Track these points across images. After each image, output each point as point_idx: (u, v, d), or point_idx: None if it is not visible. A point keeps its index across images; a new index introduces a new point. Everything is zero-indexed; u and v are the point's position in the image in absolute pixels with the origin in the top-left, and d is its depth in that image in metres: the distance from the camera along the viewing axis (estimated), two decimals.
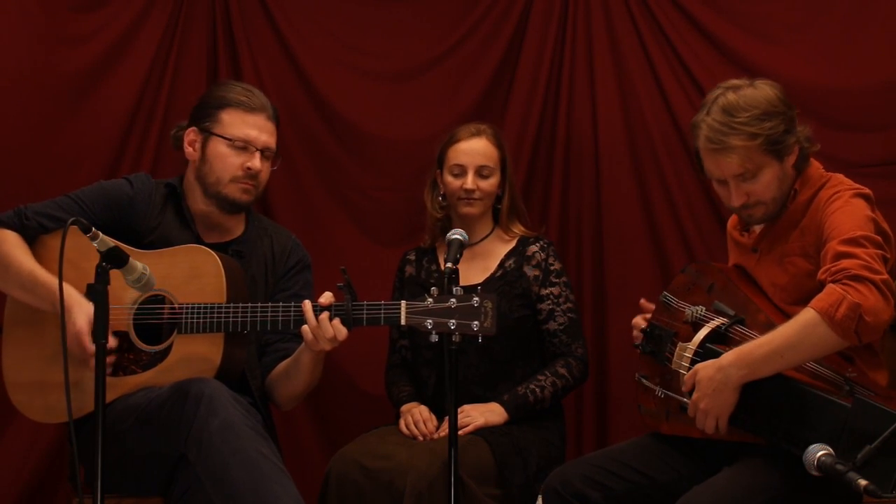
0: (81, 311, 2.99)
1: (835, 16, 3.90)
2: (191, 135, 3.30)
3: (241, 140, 3.24)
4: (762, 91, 2.86)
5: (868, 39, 3.85)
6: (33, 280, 3.10)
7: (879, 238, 2.73)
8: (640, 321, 3.08)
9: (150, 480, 3.04)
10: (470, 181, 3.54)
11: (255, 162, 3.24)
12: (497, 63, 4.13)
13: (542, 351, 3.58)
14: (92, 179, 3.44)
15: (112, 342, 3.02)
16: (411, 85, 4.16)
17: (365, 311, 3.00)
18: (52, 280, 3.04)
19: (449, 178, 3.59)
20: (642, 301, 3.12)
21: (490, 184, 3.57)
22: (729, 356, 2.72)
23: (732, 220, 3.14)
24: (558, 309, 3.54)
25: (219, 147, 3.25)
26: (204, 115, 3.29)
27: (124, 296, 3.06)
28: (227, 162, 3.24)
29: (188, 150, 3.30)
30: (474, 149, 3.57)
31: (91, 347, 2.92)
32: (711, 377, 2.73)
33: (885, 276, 2.65)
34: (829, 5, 3.91)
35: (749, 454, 2.78)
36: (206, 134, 3.26)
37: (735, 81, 2.91)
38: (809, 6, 3.93)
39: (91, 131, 4.00)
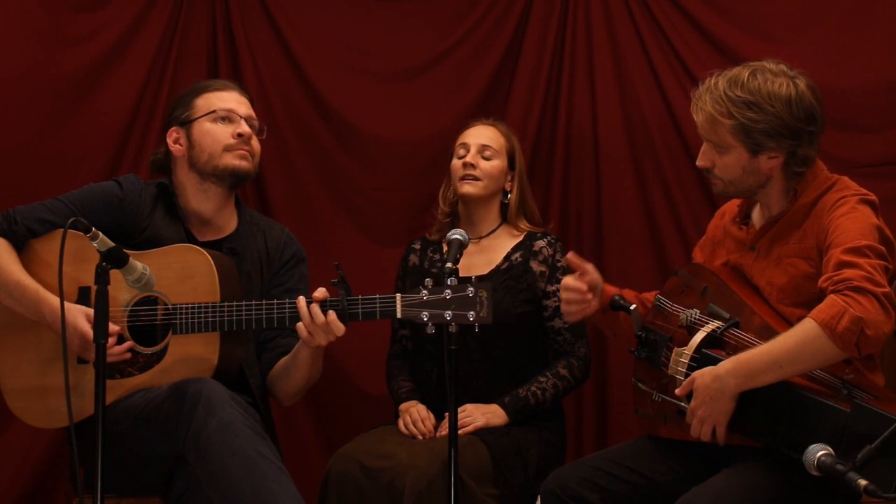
0: (77, 312, 3.01)
1: (835, 16, 3.90)
2: (173, 134, 3.32)
3: (223, 110, 3.28)
4: (776, 88, 2.82)
5: (868, 39, 3.85)
6: (21, 290, 3.10)
7: (883, 248, 2.72)
8: (570, 281, 3.05)
9: (149, 481, 3.04)
10: (470, 156, 3.56)
11: (244, 127, 3.28)
12: (497, 63, 4.13)
13: (545, 347, 3.57)
14: (92, 179, 3.45)
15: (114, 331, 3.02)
16: (411, 85, 4.16)
17: (360, 306, 3.00)
18: (38, 289, 3.07)
19: (454, 161, 3.61)
20: (570, 255, 3.08)
21: (492, 166, 3.57)
22: (726, 364, 2.70)
23: (731, 211, 3.11)
24: None
25: (204, 126, 3.28)
26: (179, 112, 3.33)
27: (117, 297, 3.06)
28: (215, 135, 3.27)
29: (174, 147, 3.31)
30: (480, 132, 3.62)
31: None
32: (708, 385, 2.72)
33: (887, 289, 2.64)
34: (829, 5, 3.91)
35: (748, 455, 2.77)
36: (188, 124, 3.29)
37: (777, 67, 2.86)
38: (809, 6, 3.92)
39: (91, 131, 4.00)
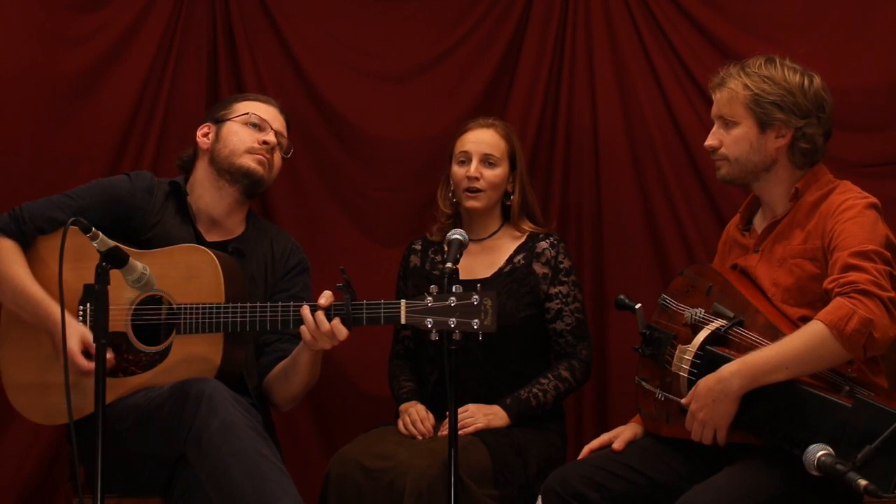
0: (73, 332, 3.01)
1: (835, 16, 3.90)
2: (204, 128, 3.38)
3: (257, 116, 3.34)
4: (790, 73, 2.93)
5: (868, 40, 3.85)
6: (25, 297, 3.10)
7: (888, 254, 2.75)
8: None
9: (149, 480, 3.04)
10: (473, 168, 3.53)
11: (271, 136, 3.33)
12: (497, 63, 4.13)
13: (547, 349, 3.57)
14: (92, 179, 3.44)
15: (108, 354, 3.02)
16: (411, 85, 4.16)
17: (364, 311, 3.00)
18: (42, 298, 3.07)
19: (455, 168, 3.58)
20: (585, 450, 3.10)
21: (495, 174, 3.55)
22: (731, 367, 2.71)
23: (734, 221, 3.14)
24: (566, 309, 3.52)
25: (234, 126, 3.33)
26: (219, 110, 3.40)
27: (122, 296, 3.06)
28: (241, 136, 3.32)
29: (201, 140, 3.36)
30: (480, 138, 3.58)
31: (85, 364, 2.97)
32: (711, 387, 2.72)
33: (892, 294, 2.67)
34: (829, 5, 3.91)
35: (749, 454, 2.77)
36: (221, 122, 3.34)
37: (793, 63, 2.97)
38: (809, 6, 3.93)
39: (91, 131, 4.00)
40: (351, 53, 4.17)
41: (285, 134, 3.41)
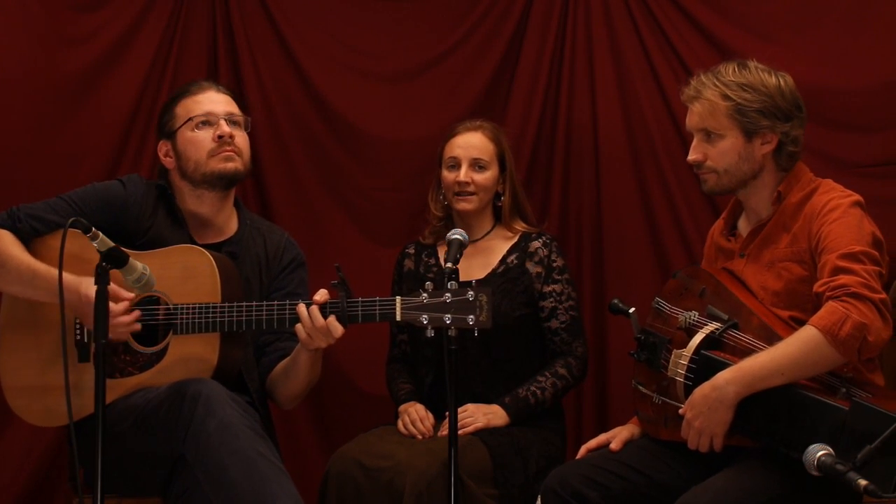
0: (88, 282, 2.94)
1: (835, 16, 3.90)
2: (163, 148, 3.33)
3: (200, 115, 3.26)
4: (766, 76, 2.90)
5: (868, 39, 3.85)
6: (31, 272, 3.09)
7: (877, 254, 2.75)
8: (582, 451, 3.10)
9: (148, 481, 3.04)
10: (463, 174, 3.54)
11: (224, 127, 3.24)
12: (497, 63, 4.13)
13: (543, 348, 3.57)
14: (92, 179, 3.46)
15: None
16: (411, 85, 4.16)
17: (360, 308, 3.00)
18: (49, 270, 3.05)
19: (445, 173, 3.59)
20: (583, 449, 3.11)
21: (485, 178, 3.56)
22: (726, 374, 2.71)
23: (717, 226, 3.13)
24: (560, 307, 3.53)
25: (185, 134, 3.27)
26: (165, 121, 3.33)
27: None
28: (197, 142, 3.25)
29: (165, 161, 3.32)
30: (469, 142, 3.58)
31: (117, 306, 2.95)
32: (707, 395, 2.72)
33: (883, 296, 2.67)
34: (829, 5, 3.91)
35: (748, 455, 2.77)
36: (172, 135, 3.29)
37: (761, 64, 2.94)
38: (809, 6, 3.93)
39: (91, 131, 4.00)
40: (351, 54, 4.17)
41: (236, 111, 3.33)
